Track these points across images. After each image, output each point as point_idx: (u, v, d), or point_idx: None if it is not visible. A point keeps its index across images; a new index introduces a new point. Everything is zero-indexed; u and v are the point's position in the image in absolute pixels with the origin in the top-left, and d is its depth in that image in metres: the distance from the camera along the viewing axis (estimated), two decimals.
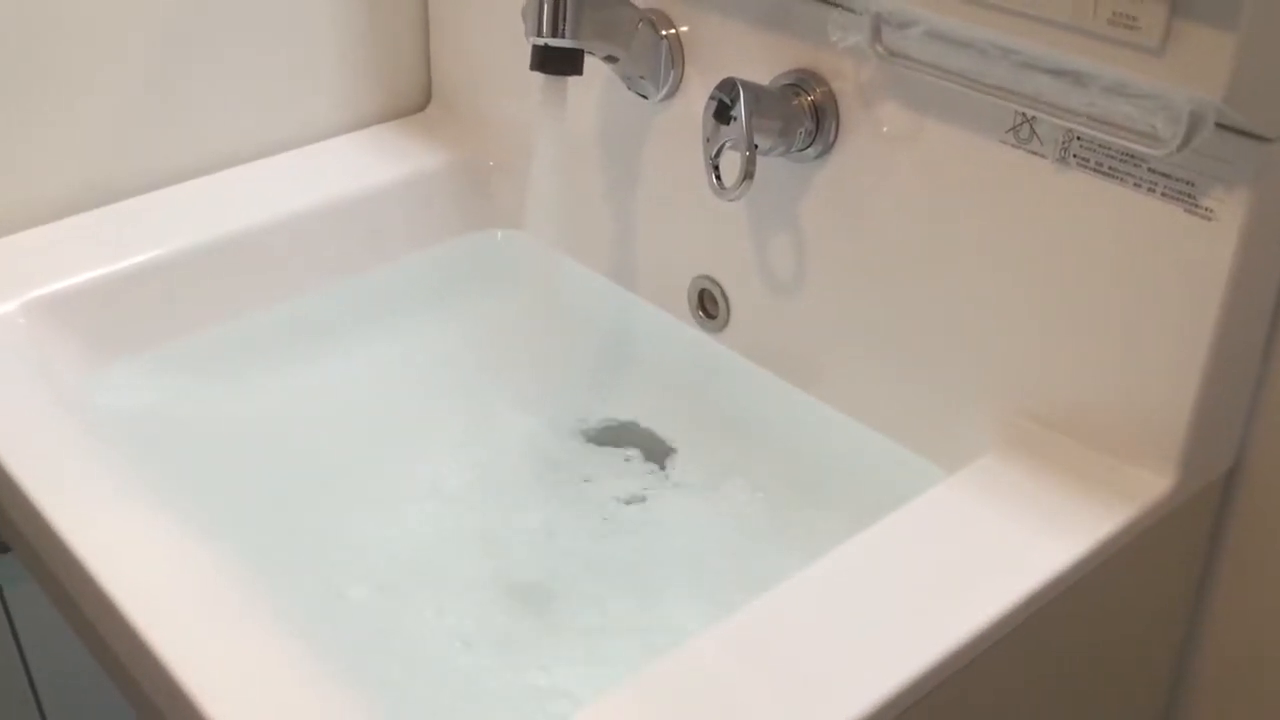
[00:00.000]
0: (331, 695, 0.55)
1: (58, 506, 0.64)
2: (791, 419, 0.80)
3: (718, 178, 0.72)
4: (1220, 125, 0.56)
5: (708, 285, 0.83)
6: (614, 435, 0.84)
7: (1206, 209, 0.59)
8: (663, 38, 0.79)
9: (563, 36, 0.72)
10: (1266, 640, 0.71)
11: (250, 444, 0.81)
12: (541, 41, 0.72)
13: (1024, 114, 0.64)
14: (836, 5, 0.68)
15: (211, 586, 0.61)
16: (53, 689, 1.05)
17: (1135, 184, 0.61)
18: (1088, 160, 0.62)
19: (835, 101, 0.72)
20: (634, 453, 0.82)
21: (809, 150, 0.73)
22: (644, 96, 0.82)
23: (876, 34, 0.66)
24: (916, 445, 0.74)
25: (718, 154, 0.71)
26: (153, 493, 0.66)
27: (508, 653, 0.70)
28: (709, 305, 0.84)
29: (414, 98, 1.02)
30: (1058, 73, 0.60)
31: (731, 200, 0.72)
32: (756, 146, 0.70)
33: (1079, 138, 0.62)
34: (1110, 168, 0.61)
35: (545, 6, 0.72)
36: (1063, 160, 0.63)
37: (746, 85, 0.70)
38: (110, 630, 0.61)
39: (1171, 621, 0.74)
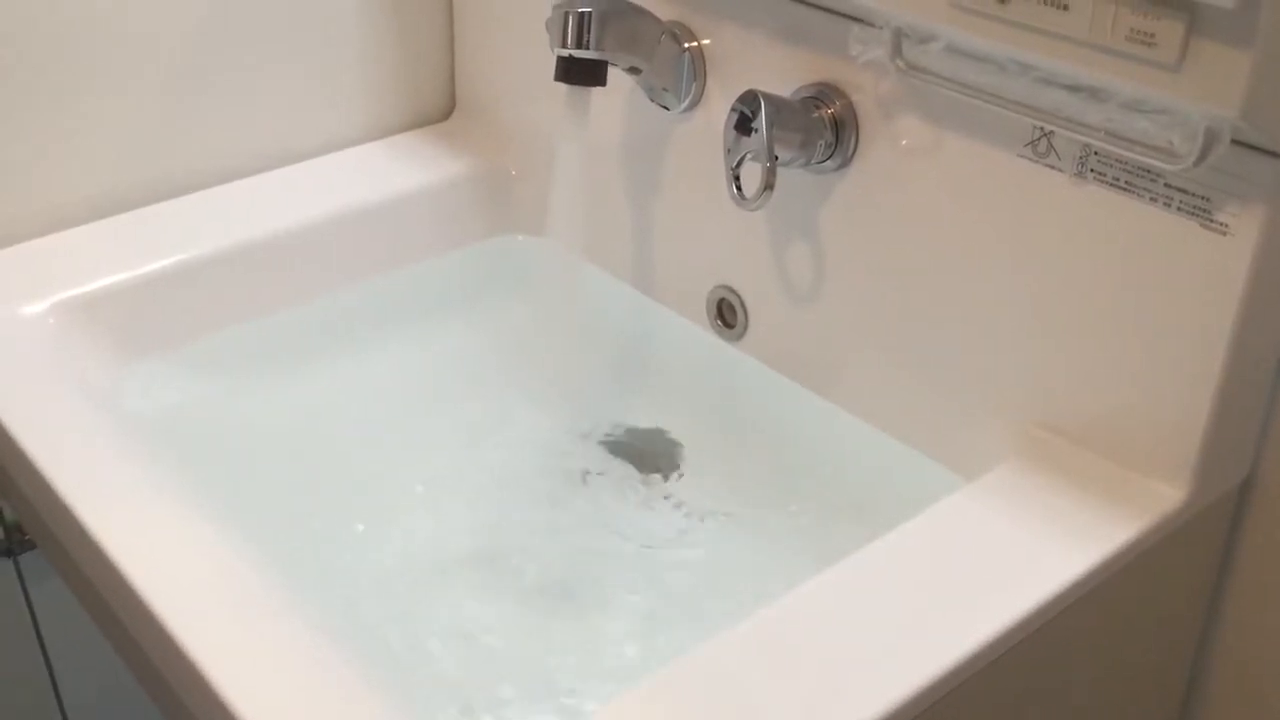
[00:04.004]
0: (361, 695, 0.55)
1: (85, 503, 0.65)
2: (809, 425, 0.80)
3: (738, 188, 0.72)
4: (1236, 141, 0.57)
5: (726, 295, 0.83)
6: (631, 440, 0.84)
7: (1222, 224, 0.59)
8: (685, 50, 0.80)
9: (587, 48, 0.73)
10: (1279, 652, 0.72)
11: (274, 442, 0.82)
12: (566, 53, 0.73)
13: (1042, 129, 0.64)
14: (857, 20, 0.69)
15: (240, 583, 0.61)
16: (76, 687, 1.05)
17: (1151, 199, 0.61)
18: (1105, 175, 0.63)
19: (855, 114, 0.72)
20: (650, 457, 0.83)
21: (829, 162, 0.74)
22: (666, 108, 0.83)
23: (897, 49, 0.66)
24: (934, 452, 0.74)
25: (738, 165, 0.72)
26: (180, 490, 0.66)
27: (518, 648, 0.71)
28: (727, 315, 0.84)
29: (439, 107, 1.03)
30: (1075, 88, 0.60)
31: (752, 210, 0.72)
32: (777, 158, 0.71)
33: (1096, 152, 0.62)
34: (1127, 182, 0.62)
35: (570, 19, 0.72)
36: (1080, 174, 0.64)
37: (767, 97, 0.70)
38: (138, 628, 0.62)
39: (1184, 632, 0.74)
